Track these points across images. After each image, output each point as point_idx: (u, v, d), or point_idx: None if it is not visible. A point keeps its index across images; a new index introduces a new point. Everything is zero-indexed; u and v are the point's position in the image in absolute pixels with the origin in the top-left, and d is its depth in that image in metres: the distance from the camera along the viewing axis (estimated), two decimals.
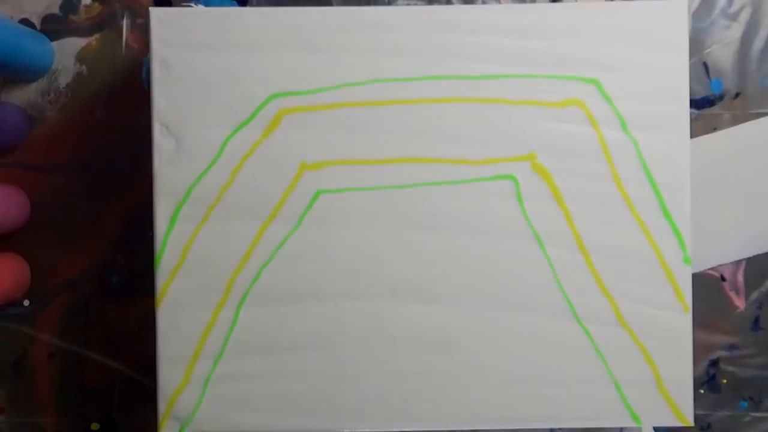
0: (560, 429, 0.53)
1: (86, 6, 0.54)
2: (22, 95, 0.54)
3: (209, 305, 0.45)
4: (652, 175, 0.45)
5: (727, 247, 0.54)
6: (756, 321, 0.55)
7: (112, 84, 0.54)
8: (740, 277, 0.55)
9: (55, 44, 0.54)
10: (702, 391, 0.55)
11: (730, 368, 0.55)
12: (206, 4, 0.53)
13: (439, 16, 0.45)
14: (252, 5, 0.54)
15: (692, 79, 0.53)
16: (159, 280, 0.45)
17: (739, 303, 0.55)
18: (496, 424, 0.45)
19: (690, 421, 0.45)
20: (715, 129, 0.54)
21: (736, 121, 0.54)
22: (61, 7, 0.54)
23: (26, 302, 0.54)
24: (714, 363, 0.55)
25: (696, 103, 0.54)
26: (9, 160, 0.54)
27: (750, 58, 0.54)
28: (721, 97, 0.54)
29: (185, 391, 0.45)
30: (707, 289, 0.54)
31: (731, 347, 0.55)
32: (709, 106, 0.54)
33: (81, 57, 0.54)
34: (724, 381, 0.55)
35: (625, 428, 0.49)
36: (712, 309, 0.55)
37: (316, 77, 0.45)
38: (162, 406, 0.45)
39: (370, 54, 0.45)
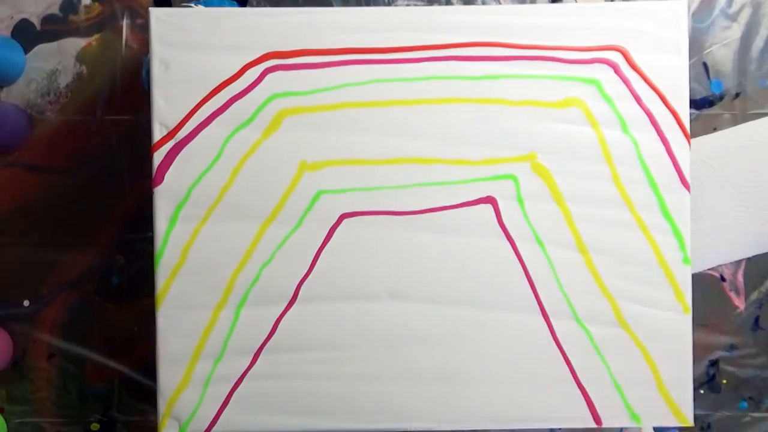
0: (560, 429, 0.53)
1: (86, 6, 0.54)
2: (22, 95, 0.54)
3: (209, 305, 0.45)
4: (652, 175, 0.45)
5: (727, 247, 0.54)
6: (756, 321, 0.55)
7: (112, 84, 0.54)
8: (740, 277, 0.55)
9: (55, 44, 0.54)
10: (702, 391, 0.55)
11: (730, 368, 0.55)
12: (206, 4, 0.53)
13: (439, 16, 0.45)
14: (252, 5, 0.54)
15: (692, 79, 0.53)
16: (159, 280, 0.45)
17: (739, 303, 0.55)
18: (495, 423, 0.45)
19: (690, 421, 0.45)
20: (715, 129, 0.54)
21: (736, 121, 0.54)
22: (61, 7, 0.54)
23: (26, 302, 0.54)
24: (714, 363, 0.55)
25: (696, 103, 0.54)
26: (9, 160, 0.54)
27: (750, 58, 0.54)
28: (721, 97, 0.54)
29: (185, 391, 0.45)
30: (707, 289, 0.54)
31: (731, 347, 0.55)
32: (709, 106, 0.54)
33: (81, 57, 0.54)
34: (724, 381, 0.55)
35: (625, 428, 0.50)
36: (712, 309, 0.55)
37: (316, 77, 0.45)
38: (162, 406, 0.45)
39: (370, 54, 0.45)
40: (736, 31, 0.54)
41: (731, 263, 0.55)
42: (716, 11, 0.54)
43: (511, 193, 0.45)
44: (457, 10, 0.46)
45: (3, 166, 0.54)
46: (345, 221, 0.45)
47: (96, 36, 0.54)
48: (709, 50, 0.54)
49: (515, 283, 0.45)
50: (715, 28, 0.54)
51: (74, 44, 0.54)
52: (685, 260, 0.45)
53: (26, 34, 0.54)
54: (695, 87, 0.54)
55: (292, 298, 0.45)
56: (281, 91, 0.45)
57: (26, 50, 0.54)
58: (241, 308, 0.45)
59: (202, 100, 0.45)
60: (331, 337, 0.45)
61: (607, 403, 0.45)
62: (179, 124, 0.45)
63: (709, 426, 0.55)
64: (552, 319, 0.45)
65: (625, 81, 0.45)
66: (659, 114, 0.45)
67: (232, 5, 0.54)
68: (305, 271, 0.45)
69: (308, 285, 0.45)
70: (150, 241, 0.45)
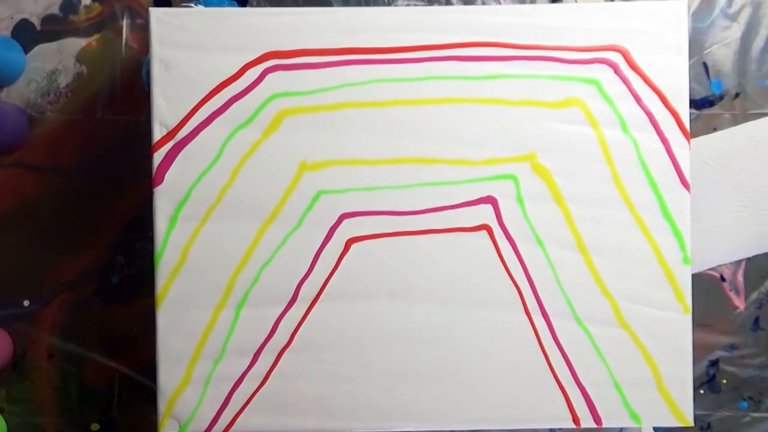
0: (560, 429, 0.53)
1: (86, 6, 0.54)
2: (22, 95, 0.54)
3: (209, 305, 0.45)
4: (652, 175, 0.45)
5: (727, 247, 0.54)
6: (756, 321, 0.55)
7: (112, 84, 0.54)
8: (740, 277, 0.55)
9: (55, 44, 0.54)
10: (702, 391, 0.55)
11: (730, 368, 0.55)
12: (206, 4, 0.53)
13: (439, 16, 0.45)
14: (252, 5, 0.54)
15: (692, 79, 0.53)
16: (159, 280, 0.45)
17: (739, 303, 0.55)
18: (494, 423, 0.45)
19: (690, 422, 0.45)
20: (715, 129, 0.54)
21: (736, 121, 0.54)
22: (61, 7, 0.54)
23: (26, 302, 0.54)
24: (714, 363, 0.55)
25: (696, 103, 0.54)
26: (9, 160, 0.54)
27: (750, 58, 0.54)
28: (721, 97, 0.54)
29: (185, 391, 0.45)
30: (707, 289, 0.54)
31: (731, 347, 0.55)
32: (709, 106, 0.54)
33: (81, 57, 0.54)
34: (724, 381, 0.55)
35: (625, 428, 0.49)
36: (712, 309, 0.55)
37: (316, 77, 0.45)
38: (162, 406, 0.45)
39: (370, 54, 0.45)
40: (736, 31, 0.54)
41: (731, 263, 0.55)
42: (716, 11, 0.54)
43: (511, 193, 0.45)
44: (457, 10, 0.46)
45: (3, 166, 0.54)
46: (345, 221, 0.45)
47: (96, 36, 0.54)
48: (709, 50, 0.54)
49: (515, 284, 0.45)
50: (715, 28, 0.54)
51: (74, 44, 0.54)
52: (685, 260, 0.45)
53: (26, 34, 0.54)
54: (695, 87, 0.54)
55: (292, 298, 0.45)
56: (281, 91, 0.45)
57: (26, 50, 0.54)
58: (241, 308, 0.45)
59: (202, 100, 0.45)
60: (330, 338, 0.45)
61: (607, 403, 0.45)
62: (179, 124, 0.45)
63: (709, 426, 0.55)
64: (552, 319, 0.45)
65: (625, 81, 0.45)
66: (659, 114, 0.45)
67: (232, 5, 0.54)
68: (305, 271, 0.45)
69: (308, 285, 0.45)
70: (150, 241, 0.45)
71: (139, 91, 0.54)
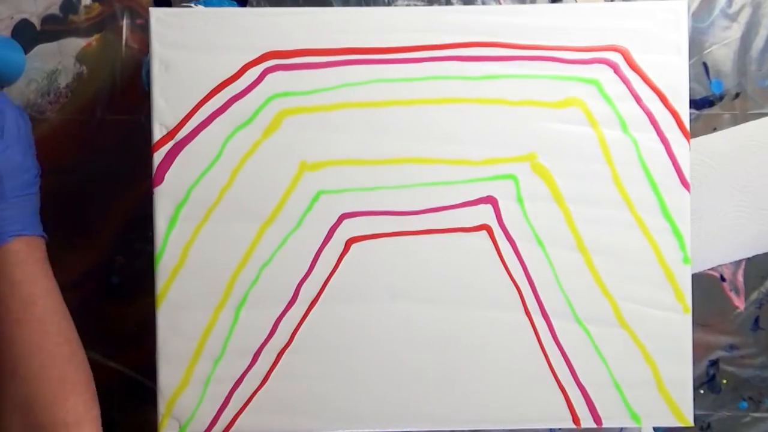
0: (560, 429, 0.53)
1: (86, 6, 0.54)
2: (22, 95, 0.54)
3: (209, 306, 0.45)
4: (652, 175, 0.45)
5: (727, 247, 0.54)
6: (756, 321, 0.55)
7: (112, 84, 0.54)
8: (740, 277, 0.55)
9: (55, 44, 0.54)
10: (702, 391, 0.55)
11: (730, 368, 0.55)
12: (206, 4, 0.53)
13: (439, 17, 0.45)
14: (252, 5, 0.54)
15: (692, 79, 0.53)
16: (159, 280, 0.45)
17: (739, 303, 0.55)
18: (495, 424, 0.45)
19: (690, 422, 0.45)
20: (715, 129, 0.54)
21: (736, 121, 0.54)
22: (61, 8, 0.54)
23: None
24: (714, 363, 0.55)
25: (696, 103, 0.54)
26: None
27: (750, 58, 0.54)
28: (721, 97, 0.54)
29: (185, 391, 0.45)
30: (707, 289, 0.54)
31: (731, 347, 0.55)
32: (709, 106, 0.54)
33: (81, 57, 0.54)
34: (724, 381, 0.55)
35: (625, 428, 0.50)
36: (712, 309, 0.55)
37: (316, 77, 0.45)
38: (162, 406, 0.45)
39: (370, 54, 0.45)
40: (736, 31, 0.54)
41: (731, 263, 0.55)
42: (716, 11, 0.54)
43: (511, 193, 0.45)
44: (457, 10, 0.46)
45: None
46: (345, 221, 0.45)
47: (96, 36, 0.54)
48: (709, 50, 0.54)
49: (515, 284, 0.45)
50: (715, 28, 0.54)
51: (74, 44, 0.54)
52: (685, 260, 0.45)
53: (26, 34, 0.54)
54: (695, 87, 0.54)
55: (292, 298, 0.45)
56: (281, 91, 0.45)
57: (26, 50, 0.54)
58: (241, 308, 0.45)
59: (202, 100, 0.45)
60: (330, 338, 0.45)
61: (607, 403, 0.45)
62: (179, 124, 0.45)
63: (709, 426, 0.55)
64: (552, 319, 0.45)
65: (625, 81, 0.45)
66: (659, 114, 0.45)
67: (232, 5, 0.54)
68: (305, 271, 0.45)
69: (308, 285, 0.45)
70: (150, 241, 0.45)
71: (139, 91, 0.54)
